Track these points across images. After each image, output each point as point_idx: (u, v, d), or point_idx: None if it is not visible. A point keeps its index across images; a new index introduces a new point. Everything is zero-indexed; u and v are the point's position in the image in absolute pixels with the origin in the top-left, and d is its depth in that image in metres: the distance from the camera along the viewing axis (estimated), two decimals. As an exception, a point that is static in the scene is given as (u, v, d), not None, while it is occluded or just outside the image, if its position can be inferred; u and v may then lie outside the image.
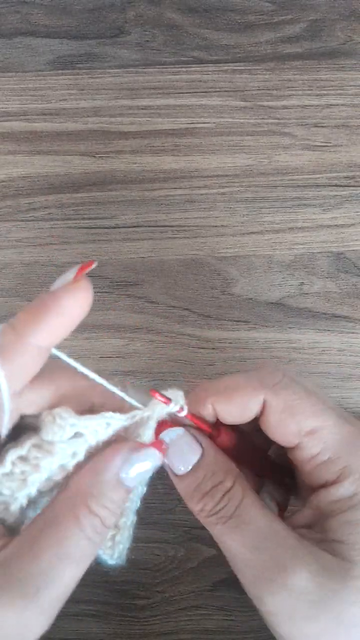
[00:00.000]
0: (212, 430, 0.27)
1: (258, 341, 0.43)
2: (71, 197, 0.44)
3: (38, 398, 0.25)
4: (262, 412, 0.26)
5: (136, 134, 0.45)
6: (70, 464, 0.25)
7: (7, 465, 0.24)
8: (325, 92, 0.46)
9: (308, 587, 0.23)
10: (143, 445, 0.25)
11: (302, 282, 0.43)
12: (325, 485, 0.25)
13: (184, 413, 0.26)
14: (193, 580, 0.40)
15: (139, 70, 0.46)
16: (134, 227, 0.44)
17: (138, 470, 0.25)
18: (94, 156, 0.45)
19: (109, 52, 0.46)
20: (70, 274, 0.24)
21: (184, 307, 0.43)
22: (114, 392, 0.25)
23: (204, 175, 0.45)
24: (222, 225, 0.44)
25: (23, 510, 0.25)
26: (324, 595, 0.23)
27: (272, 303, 0.43)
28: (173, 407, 0.26)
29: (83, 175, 0.45)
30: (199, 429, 0.27)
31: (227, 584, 0.39)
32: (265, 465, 0.30)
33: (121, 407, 0.26)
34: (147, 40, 0.47)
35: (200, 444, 0.26)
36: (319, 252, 0.44)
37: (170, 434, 0.26)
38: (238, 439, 0.28)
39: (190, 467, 0.26)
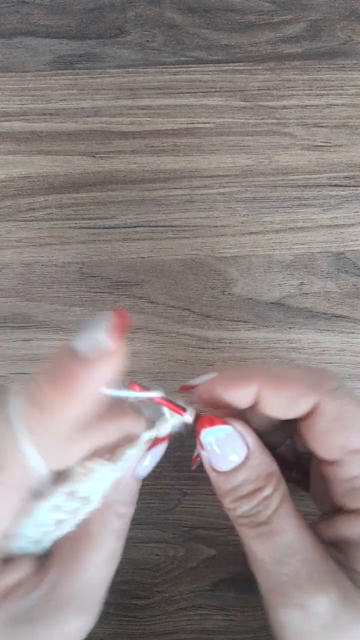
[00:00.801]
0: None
1: (258, 341, 0.43)
2: (71, 197, 0.44)
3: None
4: (309, 415, 0.24)
5: (136, 134, 0.45)
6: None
7: (50, 519, 0.24)
8: (325, 92, 0.46)
9: (324, 613, 0.22)
10: (154, 443, 0.25)
11: (302, 282, 0.43)
12: (357, 512, 0.24)
13: (190, 419, 0.24)
14: (193, 580, 0.40)
15: (139, 70, 0.46)
16: (134, 227, 0.44)
17: (150, 464, 0.25)
18: (94, 156, 0.45)
19: (109, 52, 0.46)
20: (100, 332, 0.19)
21: (184, 307, 0.43)
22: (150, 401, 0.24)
23: (204, 175, 0.45)
24: (222, 225, 0.44)
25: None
26: (338, 625, 0.22)
27: (272, 303, 0.43)
28: (187, 418, 0.24)
29: (83, 175, 0.45)
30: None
31: (227, 584, 0.39)
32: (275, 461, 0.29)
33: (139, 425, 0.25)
34: (147, 40, 0.46)
35: (247, 444, 0.24)
36: (319, 252, 0.44)
37: (216, 433, 0.24)
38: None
39: (231, 467, 0.24)
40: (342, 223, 0.44)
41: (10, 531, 0.22)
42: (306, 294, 0.43)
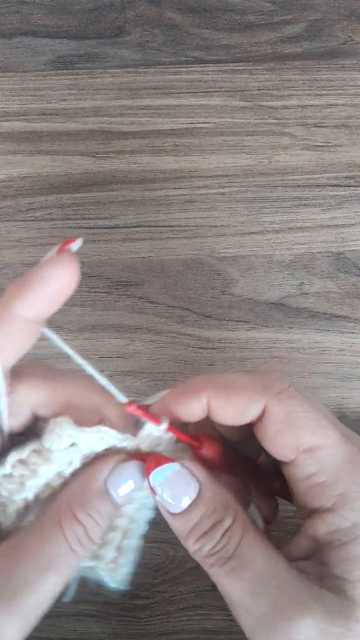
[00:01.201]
0: (194, 441, 0.25)
1: (258, 341, 0.43)
2: (71, 197, 0.44)
3: (50, 399, 0.24)
4: (260, 419, 0.24)
5: (136, 134, 0.45)
6: (67, 471, 0.25)
7: (7, 467, 0.24)
8: (325, 92, 0.46)
9: (311, 636, 0.21)
10: (131, 458, 0.24)
11: (302, 282, 0.43)
12: (319, 511, 0.23)
13: (163, 426, 0.24)
14: (193, 580, 0.40)
15: (139, 70, 0.46)
16: (134, 227, 0.44)
17: (125, 489, 0.24)
18: (94, 156, 0.45)
19: (109, 52, 0.46)
20: (53, 250, 0.24)
21: (184, 307, 0.43)
22: (110, 391, 0.24)
23: (204, 175, 0.45)
24: (222, 225, 0.44)
25: (20, 515, 0.25)
26: None
27: (272, 303, 0.43)
28: (162, 427, 0.24)
29: (83, 175, 0.45)
30: (184, 441, 0.25)
31: (227, 584, 0.39)
32: (251, 473, 0.28)
33: (125, 426, 0.25)
34: (147, 40, 0.47)
35: (197, 479, 0.24)
36: (319, 252, 0.44)
37: (164, 472, 0.24)
38: (221, 448, 0.26)
39: (186, 506, 0.24)
40: (342, 223, 0.44)
41: None
42: (306, 294, 0.43)
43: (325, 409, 0.25)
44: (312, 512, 0.24)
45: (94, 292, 0.43)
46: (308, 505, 0.24)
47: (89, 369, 0.24)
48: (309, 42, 0.47)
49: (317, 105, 0.46)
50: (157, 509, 0.26)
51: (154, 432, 0.25)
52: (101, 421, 0.25)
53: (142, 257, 0.44)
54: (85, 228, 0.44)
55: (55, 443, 0.24)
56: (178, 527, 0.24)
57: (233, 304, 0.43)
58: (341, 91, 0.46)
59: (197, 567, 0.40)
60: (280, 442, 0.24)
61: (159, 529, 0.40)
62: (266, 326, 0.43)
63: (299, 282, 0.43)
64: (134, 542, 0.27)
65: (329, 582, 0.23)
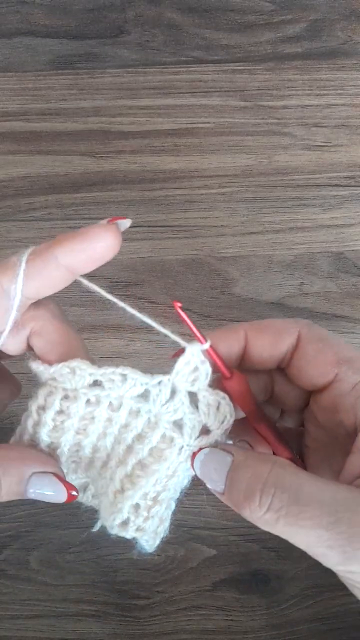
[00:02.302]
0: (226, 371, 0.26)
1: (258, 341, 0.43)
2: (71, 197, 0.44)
3: (48, 330, 0.28)
4: (295, 348, 0.26)
5: (136, 134, 0.45)
6: (97, 410, 0.26)
7: (49, 422, 0.26)
8: (325, 92, 0.46)
9: None
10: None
11: (302, 282, 0.43)
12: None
13: (205, 347, 0.27)
14: (193, 580, 0.40)
15: (139, 70, 0.46)
16: (134, 227, 0.44)
17: None
18: (94, 156, 0.45)
19: (109, 52, 0.46)
20: (104, 221, 0.26)
21: (184, 307, 0.43)
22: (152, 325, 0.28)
23: (204, 175, 0.45)
24: (222, 225, 0.44)
25: (72, 452, 0.27)
26: None
27: (272, 303, 0.43)
28: (203, 346, 0.27)
29: (83, 175, 0.45)
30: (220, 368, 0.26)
31: (227, 584, 0.39)
32: (270, 431, 0.29)
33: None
34: (147, 40, 0.47)
35: (230, 452, 0.25)
36: (319, 252, 0.44)
37: (199, 458, 0.25)
38: (249, 390, 0.27)
39: (225, 480, 0.24)
40: (342, 223, 0.44)
41: None
42: (306, 294, 0.43)
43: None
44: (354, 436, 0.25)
45: (94, 292, 0.43)
46: (358, 419, 0.25)
47: (133, 311, 0.27)
48: (309, 42, 0.47)
49: (317, 105, 0.46)
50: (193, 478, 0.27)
51: (192, 358, 0.27)
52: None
53: (142, 257, 0.44)
54: (85, 228, 0.44)
55: (79, 382, 0.26)
56: (234, 502, 0.24)
57: (233, 304, 0.43)
58: (341, 91, 0.46)
59: (197, 567, 0.40)
60: (321, 360, 0.25)
61: (159, 529, 0.40)
62: (266, 326, 0.43)
63: (299, 282, 0.43)
64: (172, 509, 0.28)
65: None
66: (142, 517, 0.27)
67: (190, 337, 0.27)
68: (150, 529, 0.27)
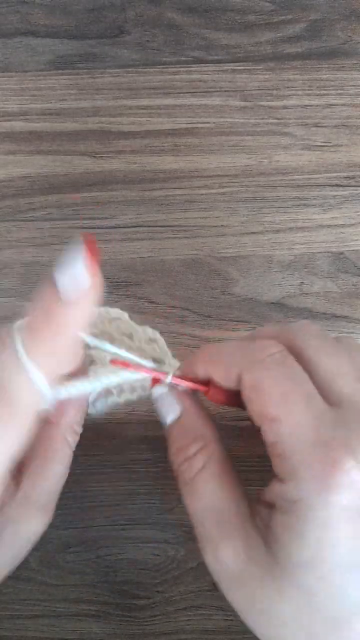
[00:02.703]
0: (202, 387, 0.29)
1: (258, 341, 0.43)
2: (71, 197, 0.44)
3: None
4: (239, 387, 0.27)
5: (136, 134, 0.45)
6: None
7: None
8: (325, 92, 0.46)
9: (231, 565, 0.25)
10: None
11: (302, 282, 0.43)
12: (277, 478, 0.25)
13: (168, 379, 0.29)
14: (193, 580, 0.40)
15: (139, 70, 0.46)
16: (134, 227, 0.44)
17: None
18: (94, 156, 0.45)
19: (109, 52, 0.46)
20: (79, 268, 0.23)
21: (184, 307, 0.43)
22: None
23: (204, 175, 0.45)
24: (222, 225, 0.44)
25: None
26: (243, 578, 0.25)
27: (272, 303, 0.43)
28: (167, 379, 0.29)
29: (83, 175, 0.45)
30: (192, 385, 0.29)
31: (227, 584, 0.39)
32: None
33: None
34: (147, 40, 0.46)
35: (181, 405, 0.29)
36: (319, 252, 0.44)
37: (157, 390, 0.30)
38: (228, 395, 0.29)
39: (167, 423, 0.29)
40: (342, 223, 0.44)
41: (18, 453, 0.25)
42: (306, 294, 0.43)
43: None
44: (273, 476, 0.26)
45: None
46: (273, 468, 0.26)
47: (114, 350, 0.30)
48: (309, 42, 0.47)
49: (317, 105, 0.46)
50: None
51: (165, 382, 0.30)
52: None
53: (142, 257, 0.44)
54: (85, 228, 0.44)
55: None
56: (167, 437, 0.29)
57: (233, 304, 0.43)
58: (341, 91, 0.46)
59: (197, 567, 0.40)
60: (250, 408, 0.26)
61: (158, 529, 0.40)
62: (266, 326, 0.43)
63: (299, 282, 0.43)
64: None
65: (268, 534, 0.25)
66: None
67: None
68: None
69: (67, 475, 0.30)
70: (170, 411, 0.29)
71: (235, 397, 0.29)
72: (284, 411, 0.24)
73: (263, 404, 0.25)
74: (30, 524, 0.28)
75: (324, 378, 0.26)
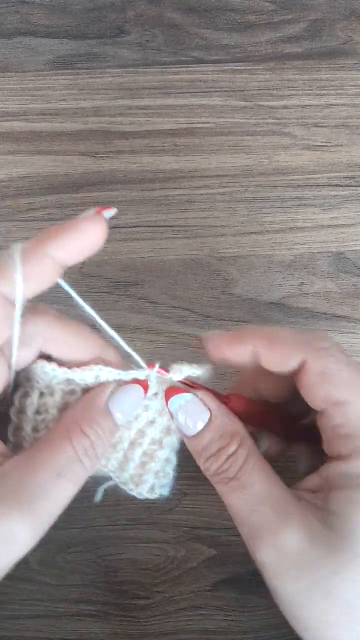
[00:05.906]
0: (220, 397, 0.28)
1: (258, 341, 0.43)
2: (71, 197, 0.44)
3: (61, 335, 0.28)
4: (299, 370, 0.27)
5: (136, 134, 0.45)
6: (72, 399, 0.29)
7: (30, 410, 0.29)
8: (325, 92, 0.46)
9: (294, 552, 0.25)
10: (128, 382, 0.28)
11: (302, 282, 0.43)
12: (338, 458, 0.26)
13: (179, 378, 0.28)
14: (193, 580, 0.40)
15: (139, 70, 0.46)
16: (134, 227, 0.44)
17: (124, 402, 0.28)
18: (94, 156, 0.45)
19: (109, 52, 0.46)
20: (90, 211, 0.27)
21: (184, 307, 0.43)
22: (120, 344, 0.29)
23: (203, 175, 0.45)
24: (222, 225, 0.44)
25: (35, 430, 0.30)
26: (306, 562, 0.24)
27: (272, 303, 0.43)
28: (173, 376, 0.28)
29: (83, 175, 0.45)
30: (212, 392, 0.28)
31: (227, 584, 0.39)
32: (293, 432, 0.32)
33: (123, 367, 0.28)
34: (147, 40, 0.47)
35: (209, 408, 0.28)
36: (319, 252, 0.44)
37: (180, 400, 0.28)
38: (248, 404, 0.29)
39: (199, 429, 0.27)
40: (342, 223, 0.44)
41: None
42: (306, 294, 0.43)
43: None
44: (331, 458, 0.27)
45: (94, 292, 0.43)
46: (330, 452, 0.27)
47: (104, 325, 0.28)
48: (309, 41, 0.47)
49: (317, 105, 0.46)
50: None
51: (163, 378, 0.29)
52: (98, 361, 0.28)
53: (142, 257, 0.44)
54: (85, 228, 0.44)
55: (52, 379, 0.28)
56: (192, 447, 0.28)
57: (233, 304, 0.43)
58: (341, 91, 0.46)
59: (197, 567, 0.40)
60: (314, 393, 0.27)
61: (158, 529, 0.40)
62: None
63: (299, 282, 0.43)
64: (166, 453, 0.31)
65: (322, 515, 0.25)
66: (160, 477, 0.31)
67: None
68: (166, 480, 0.31)
69: (69, 494, 0.27)
70: (199, 418, 0.28)
71: (260, 407, 0.29)
72: (351, 395, 0.26)
73: (332, 388, 0.26)
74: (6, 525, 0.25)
75: None
